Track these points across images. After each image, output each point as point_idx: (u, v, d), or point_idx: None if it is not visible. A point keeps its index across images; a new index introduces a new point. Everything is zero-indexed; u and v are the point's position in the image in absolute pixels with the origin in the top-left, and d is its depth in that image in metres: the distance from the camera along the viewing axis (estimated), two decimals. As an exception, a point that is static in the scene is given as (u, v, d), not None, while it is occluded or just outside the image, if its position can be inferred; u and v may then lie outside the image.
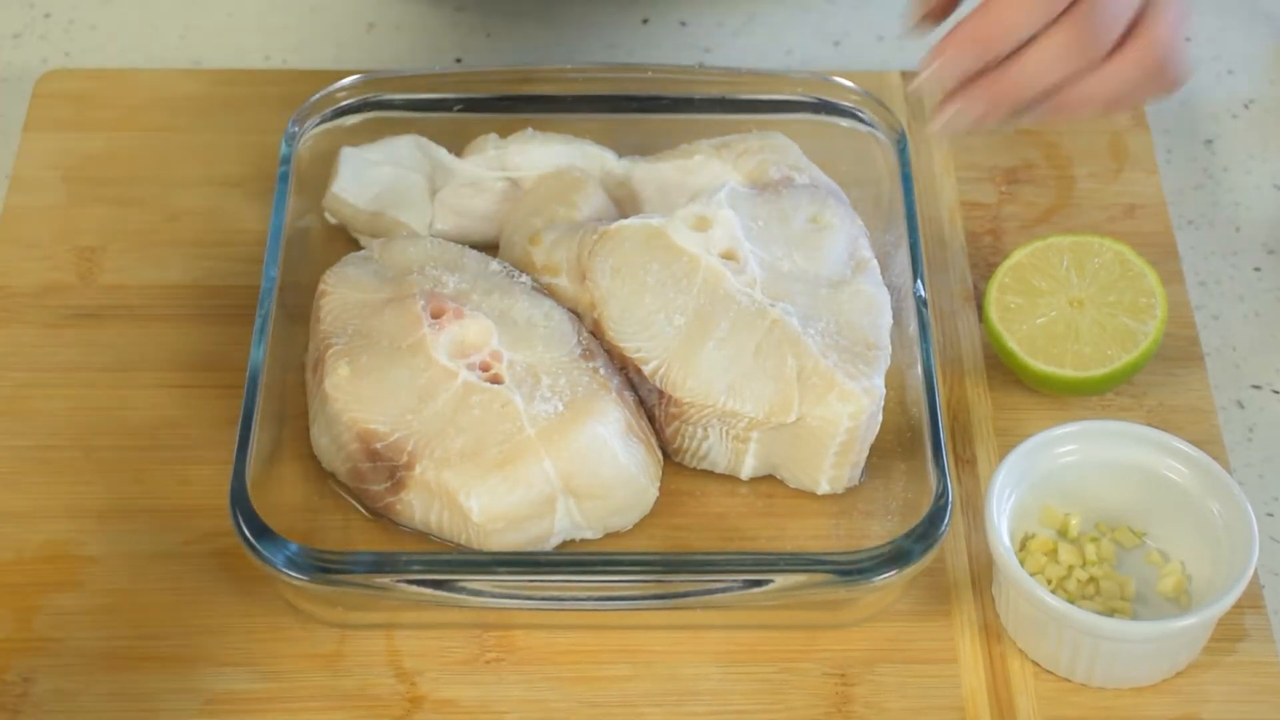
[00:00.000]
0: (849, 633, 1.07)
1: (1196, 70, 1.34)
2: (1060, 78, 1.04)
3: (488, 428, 1.06)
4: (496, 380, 1.08)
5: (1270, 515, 1.13)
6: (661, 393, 1.09)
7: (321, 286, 1.13)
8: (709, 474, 1.12)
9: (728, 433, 1.10)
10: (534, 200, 1.19)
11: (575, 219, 1.17)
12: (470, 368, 1.08)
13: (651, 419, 1.11)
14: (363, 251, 1.17)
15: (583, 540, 1.09)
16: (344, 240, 1.21)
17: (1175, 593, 1.07)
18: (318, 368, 1.10)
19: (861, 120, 1.21)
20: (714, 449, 1.11)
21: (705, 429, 1.10)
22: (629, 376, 1.11)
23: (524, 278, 1.15)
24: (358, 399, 1.08)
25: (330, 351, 1.10)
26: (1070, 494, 1.09)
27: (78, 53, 1.36)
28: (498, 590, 1.04)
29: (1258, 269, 1.24)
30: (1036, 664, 1.06)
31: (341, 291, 1.13)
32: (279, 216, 1.15)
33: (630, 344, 1.11)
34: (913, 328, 1.12)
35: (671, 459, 1.12)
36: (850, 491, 1.11)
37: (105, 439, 1.14)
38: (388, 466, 1.07)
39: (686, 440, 1.11)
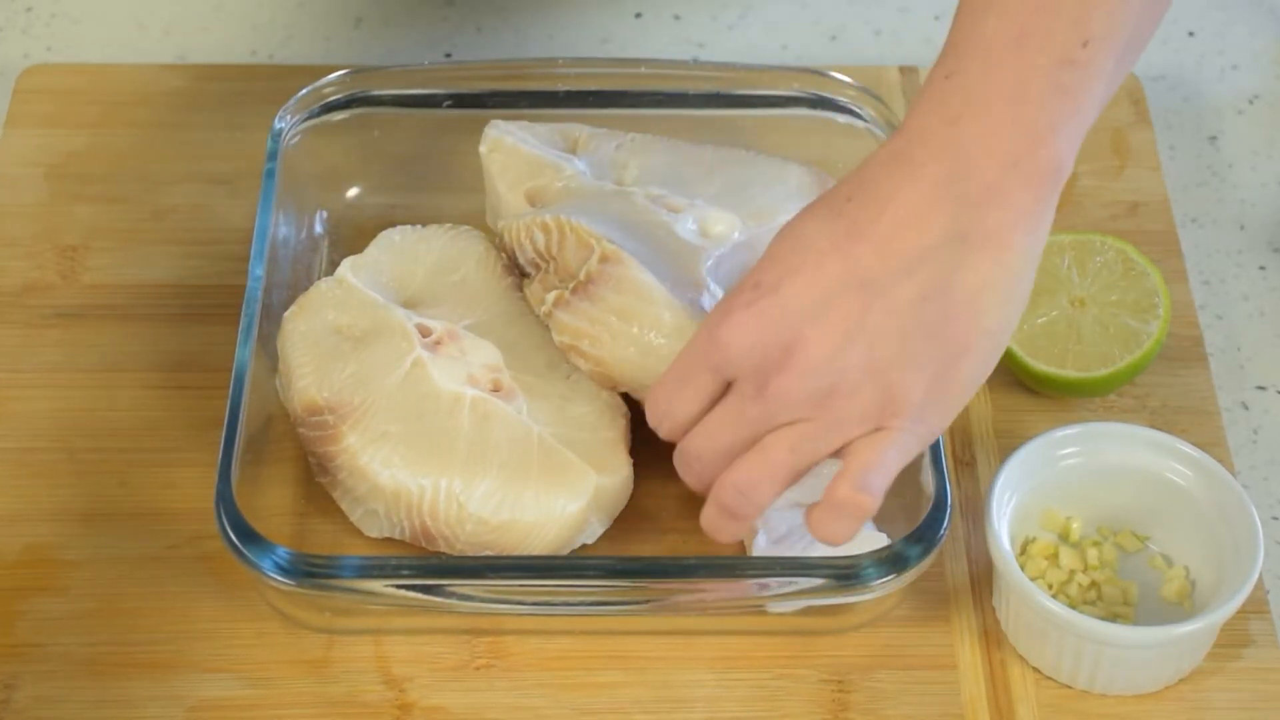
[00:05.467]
0: (846, 638, 1.06)
1: (1201, 64, 1.34)
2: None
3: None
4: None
5: (1275, 518, 1.12)
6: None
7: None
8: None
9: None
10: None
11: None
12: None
13: None
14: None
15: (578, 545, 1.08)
16: (331, 239, 1.20)
17: (1179, 598, 1.06)
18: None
19: (858, 116, 1.20)
20: None
21: None
22: None
23: None
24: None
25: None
26: (1072, 497, 1.08)
27: (60, 47, 1.35)
28: (487, 595, 1.03)
29: (1262, 267, 1.24)
30: (1037, 670, 1.05)
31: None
32: (265, 214, 1.14)
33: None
34: (911, 327, 1.11)
35: None
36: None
37: (88, 441, 1.13)
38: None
39: None
